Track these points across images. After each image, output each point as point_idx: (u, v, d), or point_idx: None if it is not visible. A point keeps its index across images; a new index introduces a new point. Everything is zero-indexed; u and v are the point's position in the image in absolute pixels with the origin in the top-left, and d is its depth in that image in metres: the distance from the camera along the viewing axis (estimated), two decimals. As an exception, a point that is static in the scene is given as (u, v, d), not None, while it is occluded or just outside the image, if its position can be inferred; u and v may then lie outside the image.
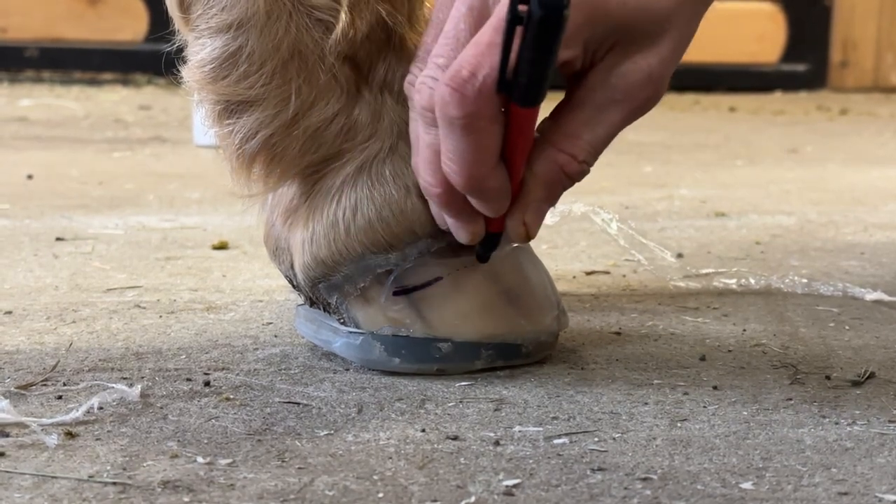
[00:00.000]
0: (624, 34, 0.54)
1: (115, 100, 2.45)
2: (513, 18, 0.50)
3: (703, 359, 0.66)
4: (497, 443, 0.53)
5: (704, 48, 2.99)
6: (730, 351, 0.68)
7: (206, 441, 0.52)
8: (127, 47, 2.82)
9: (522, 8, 0.49)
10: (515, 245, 0.65)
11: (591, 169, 0.59)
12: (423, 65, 0.57)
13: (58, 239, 0.99)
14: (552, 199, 0.58)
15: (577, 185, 0.59)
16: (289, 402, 0.58)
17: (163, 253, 0.94)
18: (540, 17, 0.49)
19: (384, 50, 0.61)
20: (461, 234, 0.59)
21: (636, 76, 0.55)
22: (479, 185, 0.55)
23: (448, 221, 0.59)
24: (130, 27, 2.82)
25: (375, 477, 0.49)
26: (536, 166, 0.57)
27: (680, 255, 0.95)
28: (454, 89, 0.52)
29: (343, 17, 0.59)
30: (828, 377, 0.63)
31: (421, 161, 0.57)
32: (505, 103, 0.53)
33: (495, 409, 0.57)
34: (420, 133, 0.57)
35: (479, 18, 0.54)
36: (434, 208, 0.60)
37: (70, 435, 0.53)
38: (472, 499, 0.47)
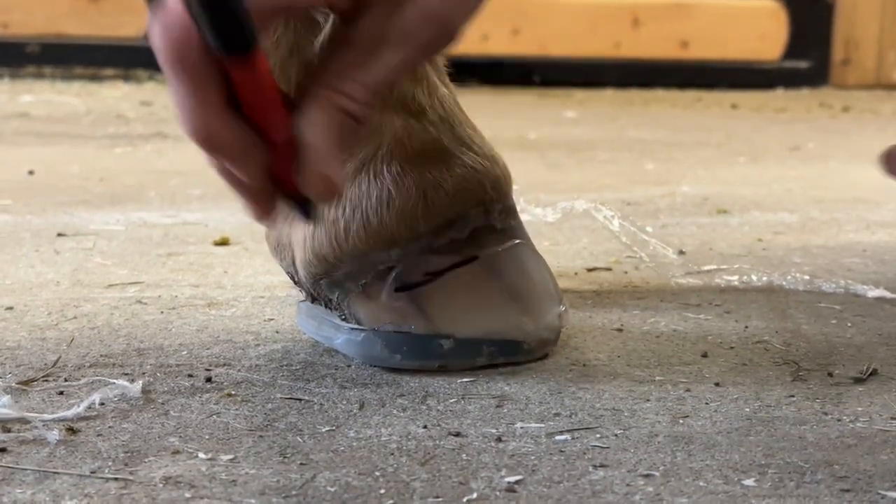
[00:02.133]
0: None
1: (116, 96, 2.45)
2: None
3: (705, 356, 0.66)
4: (499, 439, 0.53)
5: (706, 45, 2.99)
6: (732, 348, 0.68)
7: (207, 437, 0.52)
8: (128, 43, 2.82)
9: None
10: (518, 241, 0.65)
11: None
12: None
13: (59, 235, 0.99)
14: (341, 145, 0.50)
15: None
16: (290, 399, 0.58)
17: (164, 249, 0.94)
18: None
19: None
20: (249, 211, 0.53)
21: (414, 15, 0.49)
22: (210, 137, 0.49)
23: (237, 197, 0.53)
24: (132, 23, 2.82)
25: (377, 473, 0.49)
26: (312, 113, 0.50)
27: (682, 252, 0.95)
28: (161, 23, 0.47)
29: None
30: (830, 374, 0.63)
31: None
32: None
33: (497, 406, 0.57)
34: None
35: None
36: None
37: (71, 431, 0.53)
38: (474, 495, 0.47)
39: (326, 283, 0.64)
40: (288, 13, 0.48)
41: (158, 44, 0.47)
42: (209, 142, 0.49)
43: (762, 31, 3.02)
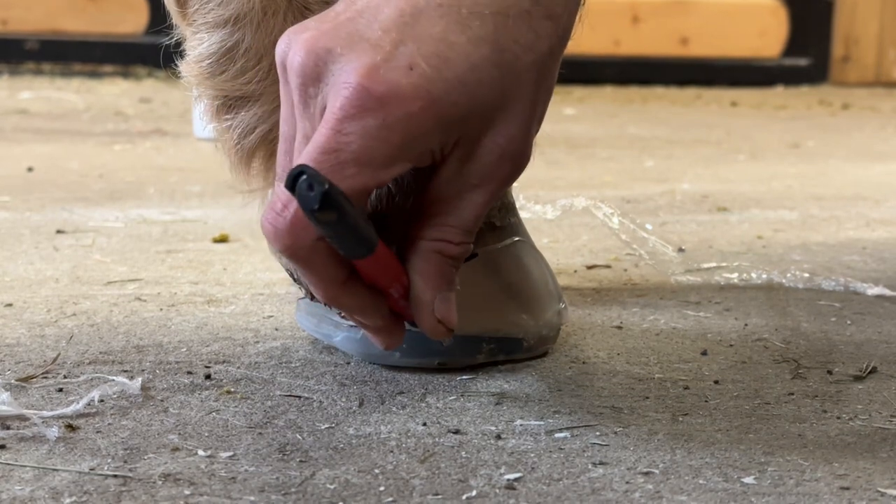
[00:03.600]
0: (463, 128, 0.51)
1: (115, 92, 2.44)
2: (291, 192, 0.48)
3: (704, 353, 0.66)
4: (498, 437, 0.53)
5: (707, 43, 2.99)
6: (731, 345, 0.68)
7: (207, 434, 0.52)
8: (127, 40, 2.82)
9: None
10: (517, 239, 0.65)
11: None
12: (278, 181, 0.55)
13: (58, 231, 0.99)
14: (448, 285, 0.55)
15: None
16: (290, 396, 0.58)
17: (163, 246, 0.94)
18: (303, 210, 0.48)
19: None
20: (378, 344, 0.57)
21: (489, 159, 0.52)
22: (335, 304, 0.54)
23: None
24: (131, 20, 2.82)
25: (377, 470, 0.49)
26: (417, 264, 0.54)
27: (681, 250, 0.95)
28: (270, 223, 0.50)
29: None
30: (829, 372, 0.63)
31: None
32: None
33: (497, 403, 0.57)
34: None
35: None
36: None
37: (71, 427, 0.53)
38: (474, 492, 0.47)
39: (326, 280, 0.64)
40: (380, 186, 0.52)
41: (275, 243, 0.51)
42: (334, 305, 0.54)
43: (762, 29, 3.02)
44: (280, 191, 0.50)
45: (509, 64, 0.51)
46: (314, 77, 0.51)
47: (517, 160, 0.53)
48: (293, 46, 0.51)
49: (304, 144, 0.52)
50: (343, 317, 0.63)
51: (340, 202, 0.47)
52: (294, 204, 0.49)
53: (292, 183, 0.47)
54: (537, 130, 0.54)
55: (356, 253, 0.51)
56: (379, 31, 0.50)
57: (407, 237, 0.54)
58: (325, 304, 0.54)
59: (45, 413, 0.53)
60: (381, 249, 0.51)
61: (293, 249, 0.50)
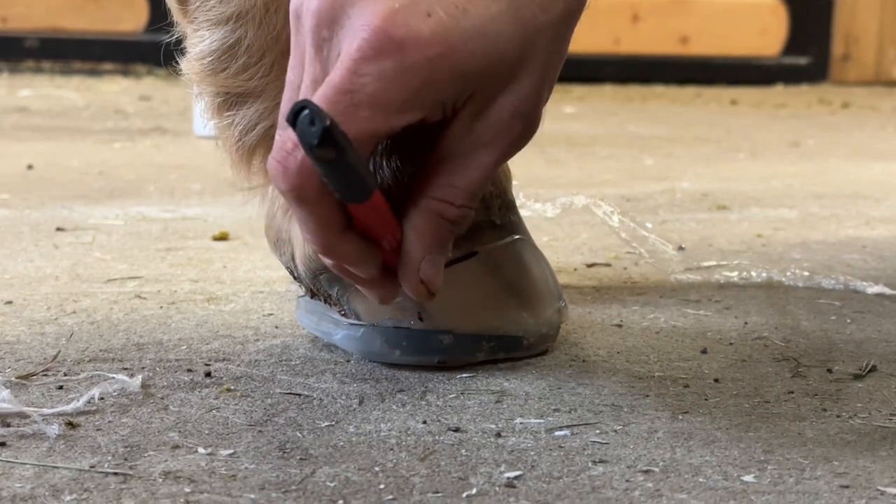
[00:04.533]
0: (479, 82, 0.51)
1: (115, 90, 2.44)
2: (293, 128, 0.47)
3: (704, 351, 0.66)
4: (498, 435, 0.53)
5: (706, 41, 2.99)
6: (731, 344, 0.68)
7: (207, 432, 0.52)
8: (127, 38, 2.82)
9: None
10: (517, 237, 0.65)
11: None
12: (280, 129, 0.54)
13: (58, 229, 0.99)
14: (442, 250, 0.55)
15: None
16: (290, 394, 0.58)
17: (163, 244, 0.94)
18: (302, 146, 0.47)
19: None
20: (373, 298, 0.57)
21: (500, 116, 0.52)
22: (331, 251, 0.53)
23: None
24: (131, 18, 2.82)
25: (377, 468, 0.49)
26: (414, 220, 0.54)
27: (681, 248, 0.95)
28: (278, 162, 0.50)
29: None
30: (829, 370, 0.63)
31: None
32: None
33: (497, 401, 0.57)
34: None
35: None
36: None
37: (71, 425, 0.53)
38: (474, 490, 0.47)
39: (326, 277, 0.64)
40: (389, 135, 0.51)
41: (281, 183, 0.51)
42: (330, 253, 0.53)
43: (762, 27, 3.02)
44: (291, 131, 0.50)
45: (526, 21, 0.51)
46: (330, 19, 0.50)
47: (528, 120, 0.53)
48: None
49: (312, 88, 0.51)
50: (343, 314, 0.63)
51: (340, 140, 0.46)
52: None
53: (294, 118, 0.46)
54: (547, 98, 0.54)
55: (351, 195, 0.50)
56: None
57: (409, 193, 0.54)
58: (322, 254, 0.53)
59: (46, 410, 0.53)
60: (377, 197, 0.51)
61: (300, 190, 0.50)
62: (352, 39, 0.49)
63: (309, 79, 0.52)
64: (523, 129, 0.53)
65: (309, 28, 0.51)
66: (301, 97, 0.52)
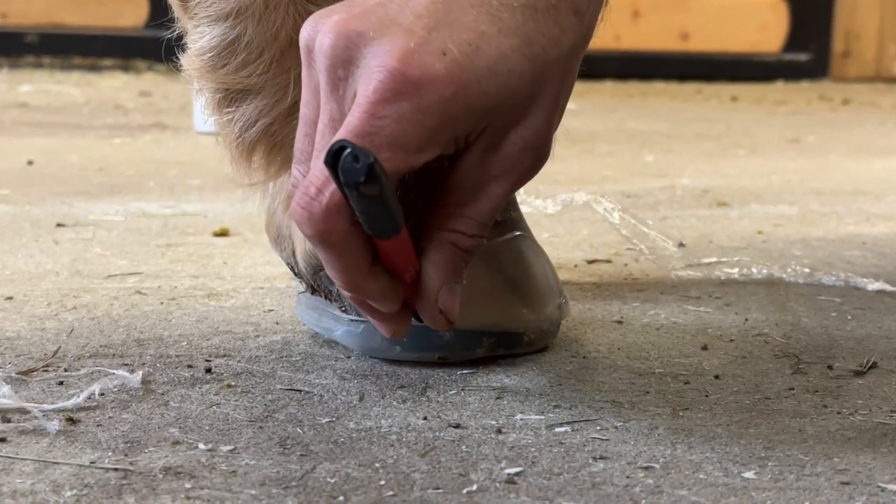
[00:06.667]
0: (491, 118, 0.51)
1: (115, 86, 2.44)
2: (330, 168, 0.47)
3: (704, 348, 0.66)
4: (499, 431, 0.53)
5: (707, 38, 2.99)
6: (732, 340, 0.68)
7: (207, 428, 0.52)
8: (127, 33, 2.81)
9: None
10: (518, 233, 0.65)
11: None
12: (297, 164, 0.54)
13: (58, 225, 0.99)
14: (457, 277, 0.55)
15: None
16: (290, 390, 0.58)
17: (163, 240, 0.94)
18: (345, 185, 0.47)
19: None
20: (383, 332, 0.57)
21: (511, 150, 0.52)
22: (358, 290, 0.53)
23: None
24: (131, 13, 2.82)
25: (377, 464, 0.49)
26: (431, 253, 0.54)
27: (682, 245, 0.95)
28: (303, 207, 0.50)
29: None
30: (830, 367, 0.63)
31: None
32: None
33: (497, 398, 0.57)
34: None
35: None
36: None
37: (71, 421, 0.53)
38: (474, 487, 0.47)
39: (326, 274, 0.64)
40: (408, 173, 0.51)
41: (307, 229, 0.51)
42: (356, 290, 0.53)
43: (762, 24, 3.02)
44: (314, 174, 0.50)
45: (537, 56, 0.51)
46: (345, 59, 0.50)
47: (538, 153, 0.53)
48: (321, 29, 0.51)
49: (330, 127, 0.51)
50: (344, 310, 0.63)
51: (382, 176, 0.47)
52: (330, 187, 0.49)
53: (333, 158, 0.46)
54: (557, 126, 0.54)
55: (386, 231, 0.50)
56: (411, 16, 0.50)
57: (422, 225, 0.54)
58: (346, 292, 0.54)
59: (46, 406, 0.53)
60: (404, 231, 0.51)
61: (326, 235, 0.50)
62: (368, 80, 0.49)
63: (326, 117, 0.52)
64: (534, 160, 0.53)
65: (323, 67, 0.51)
66: (319, 137, 0.52)
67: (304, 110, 0.54)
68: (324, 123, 0.52)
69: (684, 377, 0.61)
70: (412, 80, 0.49)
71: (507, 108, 0.51)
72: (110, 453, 0.49)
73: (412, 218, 0.54)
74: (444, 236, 0.54)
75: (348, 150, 0.46)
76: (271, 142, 0.62)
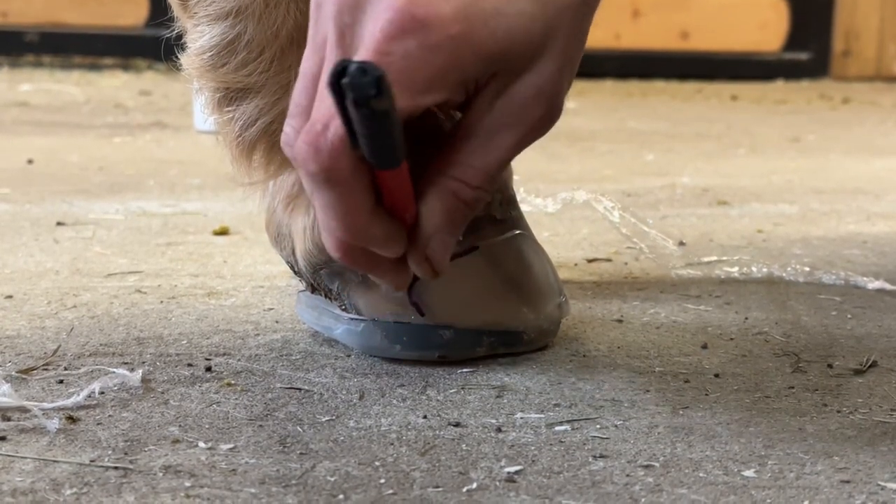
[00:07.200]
0: (502, 63, 0.51)
1: (115, 85, 2.44)
2: (334, 91, 0.46)
3: (704, 347, 0.66)
4: (499, 429, 0.53)
5: (707, 37, 2.99)
6: (732, 339, 0.68)
7: (207, 426, 0.52)
8: (127, 32, 2.82)
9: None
10: (518, 232, 0.65)
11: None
12: (292, 119, 0.53)
13: (58, 224, 0.99)
14: (453, 230, 0.54)
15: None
16: (290, 388, 0.58)
17: (164, 238, 0.94)
18: (353, 103, 0.45)
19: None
20: (388, 285, 0.57)
21: (524, 96, 0.52)
22: (362, 235, 0.52)
23: (371, 277, 0.57)
24: (131, 12, 2.82)
25: (377, 463, 0.49)
26: (429, 198, 0.53)
27: (682, 244, 0.95)
28: (309, 144, 0.49)
29: None
30: (830, 366, 0.63)
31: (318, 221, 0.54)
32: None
33: (497, 396, 0.57)
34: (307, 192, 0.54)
35: None
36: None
37: (71, 419, 0.53)
38: (474, 485, 0.47)
39: (326, 272, 0.64)
40: (414, 115, 0.51)
41: (312, 165, 0.49)
42: (359, 236, 0.52)
43: (762, 23, 3.02)
44: (320, 112, 0.49)
45: (548, 1, 0.51)
46: (352, 5, 0.50)
47: (550, 102, 0.52)
48: None
49: None
50: (344, 309, 0.63)
51: (391, 90, 0.45)
52: (336, 122, 0.48)
53: (337, 78, 0.44)
54: (569, 84, 0.53)
55: (388, 160, 0.49)
56: None
57: (426, 172, 0.53)
58: (349, 239, 0.52)
59: (46, 405, 0.53)
60: (405, 166, 0.50)
61: (332, 171, 0.49)
62: (376, 21, 0.49)
63: (331, 65, 0.51)
64: (545, 110, 0.52)
65: (330, 14, 0.51)
66: (321, 89, 0.51)
67: (306, 64, 0.53)
68: (323, 67, 0.51)
69: (684, 376, 0.61)
70: (419, 17, 0.49)
71: (517, 52, 0.51)
72: (110, 452, 0.49)
73: (413, 172, 0.53)
74: (445, 183, 0.53)
75: (355, 66, 0.44)
76: (271, 141, 0.62)
